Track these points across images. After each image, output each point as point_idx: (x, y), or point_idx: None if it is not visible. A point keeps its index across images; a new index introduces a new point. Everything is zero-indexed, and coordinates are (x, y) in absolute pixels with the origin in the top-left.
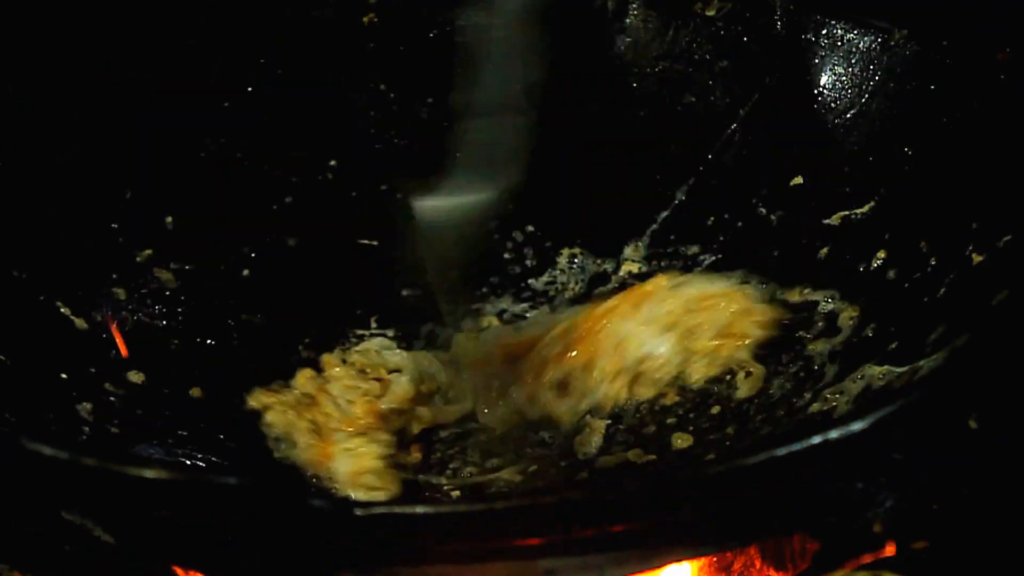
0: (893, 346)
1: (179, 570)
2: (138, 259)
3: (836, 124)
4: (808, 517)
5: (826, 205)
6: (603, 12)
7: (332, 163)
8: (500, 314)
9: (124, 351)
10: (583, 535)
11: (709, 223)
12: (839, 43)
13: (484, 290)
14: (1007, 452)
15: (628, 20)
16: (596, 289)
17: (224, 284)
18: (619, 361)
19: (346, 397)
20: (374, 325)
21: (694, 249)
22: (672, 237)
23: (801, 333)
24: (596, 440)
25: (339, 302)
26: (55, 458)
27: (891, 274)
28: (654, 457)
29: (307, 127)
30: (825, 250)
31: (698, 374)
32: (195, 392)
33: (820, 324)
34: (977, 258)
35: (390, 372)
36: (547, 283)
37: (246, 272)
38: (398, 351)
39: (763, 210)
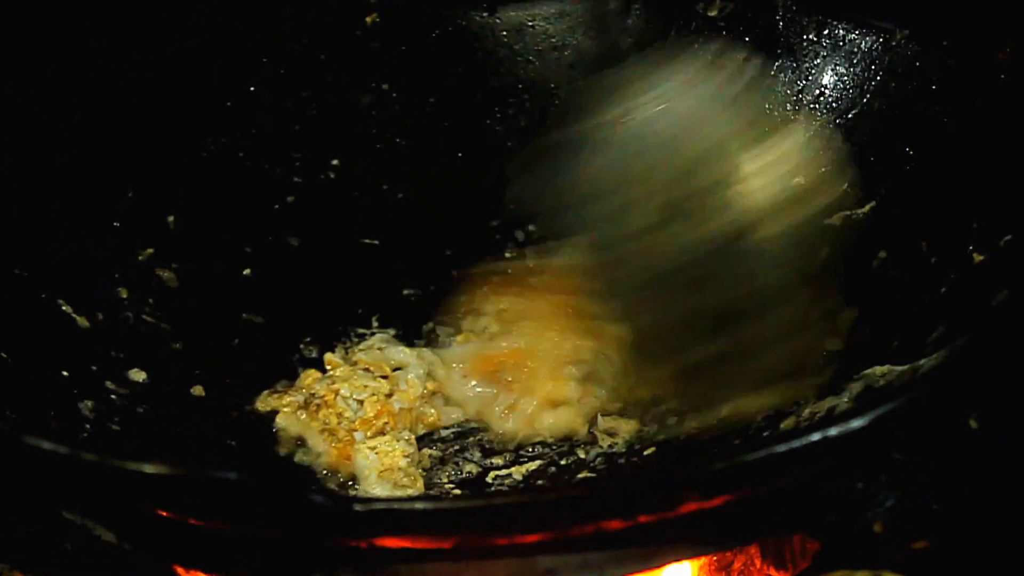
0: (893, 346)
1: (179, 569)
2: (140, 258)
3: (836, 124)
4: (808, 517)
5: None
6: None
7: (334, 163)
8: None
9: None
10: (583, 533)
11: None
12: (840, 43)
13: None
14: (1007, 452)
15: (630, 20)
16: None
17: (225, 284)
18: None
19: (356, 397)
20: (375, 324)
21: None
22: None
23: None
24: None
25: (340, 301)
26: (55, 454)
27: (891, 274)
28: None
29: (309, 127)
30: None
31: None
32: (196, 391)
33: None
34: (977, 258)
35: (394, 370)
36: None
37: (247, 272)
38: (401, 347)
39: None
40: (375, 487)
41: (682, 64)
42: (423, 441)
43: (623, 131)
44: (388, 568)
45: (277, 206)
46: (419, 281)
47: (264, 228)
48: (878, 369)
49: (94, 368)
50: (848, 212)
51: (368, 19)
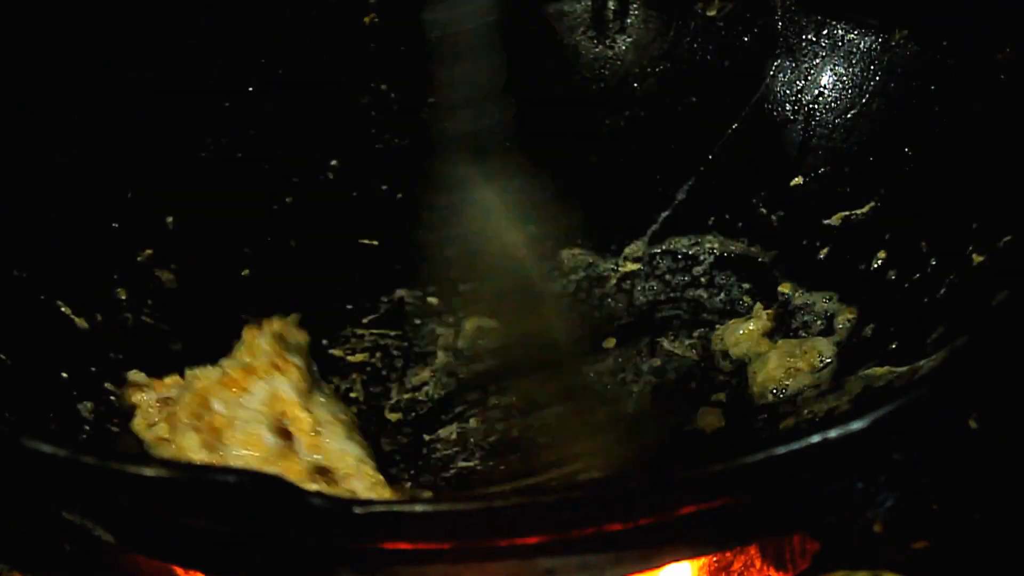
0: (893, 346)
1: (179, 570)
2: (139, 259)
3: (836, 124)
4: (808, 517)
5: (826, 205)
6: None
7: (333, 163)
8: None
9: None
10: (583, 535)
11: (710, 223)
12: (840, 43)
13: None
14: (1007, 452)
15: (629, 20)
16: (596, 289)
17: (225, 284)
18: None
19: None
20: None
21: (694, 249)
22: (673, 237)
23: (802, 334)
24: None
25: (339, 302)
26: (55, 456)
27: (891, 274)
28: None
29: (308, 127)
30: (825, 250)
31: None
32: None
33: (820, 324)
34: (977, 258)
35: None
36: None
37: (246, 272)
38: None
39: (763, 210)
40: None
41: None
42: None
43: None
44: (387, 569)
45: (276, 206)
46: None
47: (263, 228)
48: (878, 370)
49: (93, 369)
50: (848, 212)
51: (368, 19)
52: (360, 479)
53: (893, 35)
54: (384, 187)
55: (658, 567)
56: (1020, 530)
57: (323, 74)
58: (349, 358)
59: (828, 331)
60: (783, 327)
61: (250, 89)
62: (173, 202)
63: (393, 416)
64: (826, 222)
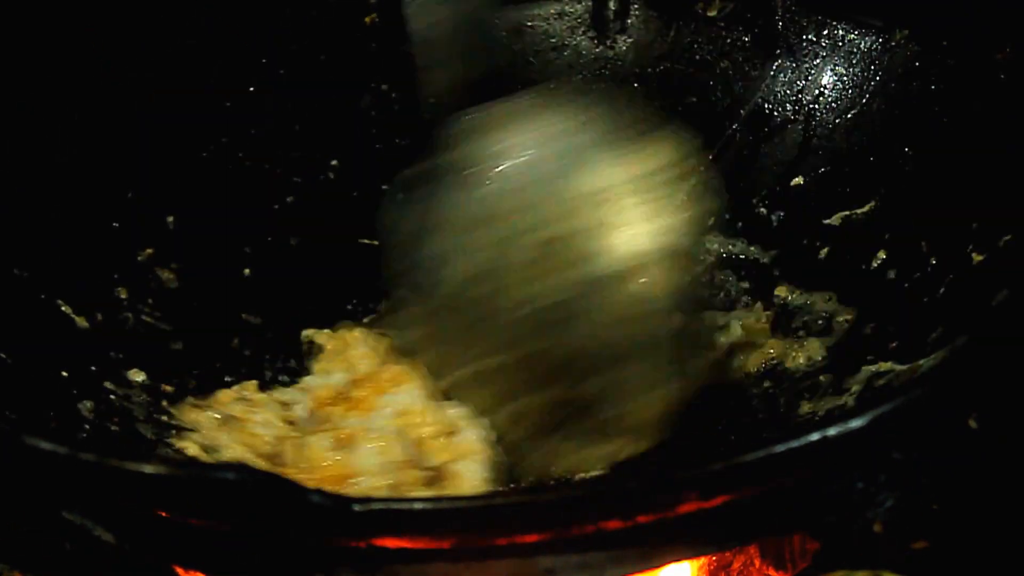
0: (893, 346)
1: (179, 570)
2: (139, 258)
3: (837, 124)
4: (808, 517)
5: (826, 205)
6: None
7: (333, 163)
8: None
9: None
10: (583, 534)
11: (710, 223)
12: (840, 43)
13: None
14: (1007, 452)
15: (630, 20)
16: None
17: (225, 284)
18: None
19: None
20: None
21: (695, 250)
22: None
23: (801, 333)
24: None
25: (340, 301)
26: (54, 454)
27: (891, 274)
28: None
29: (308, 127)
30: (825, 250)
31: None
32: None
33: (819, 324)
34: (977, 258)
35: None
36: None
37: (247, 272)
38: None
39: (763, 210)
40: None
41: (560, 109)
42: None
43: (505, 165)
44: (387, 568)
45: (276, 206)
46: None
47: (264, 228)
48: (878, 367)
49: (93, 368)
50: (848, 212)
51: (368, 19)
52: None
53: (893, 35)
54: (384, 187)
55: (658, 567)
56: (1020, 530)
57: (323, 74)
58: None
59: (827, 331)
60: (783, 327)
61: (250, 89)
62: (173, 202)
63: None
64: (826, 222)
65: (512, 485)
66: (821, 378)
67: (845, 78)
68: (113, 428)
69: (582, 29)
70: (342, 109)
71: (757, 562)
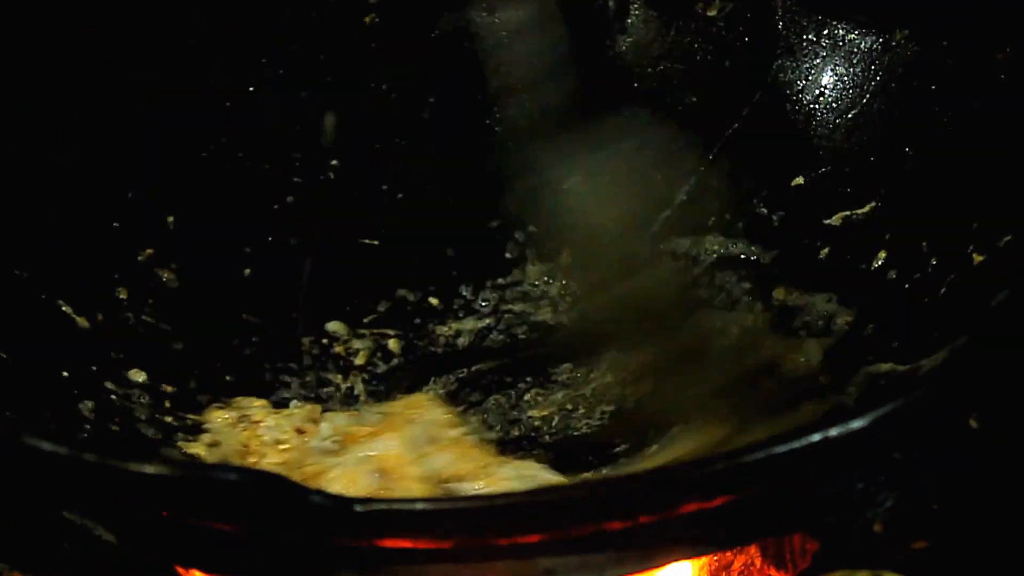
0: (894, 346)
1: (180, 569)
2: (140, 258)
3: (837, 124)
4: (808, 517)
5: (826, 205)
6: (604, 12)
7: (333, 163)
8: (499, 314)
9: None
10: (583, 534)
11: (710, 223)
12: (840, 43)
13: (485, 290)
14: (1007, 452)
15: (629, 20)
16: None
17: (225, 284)
18: None
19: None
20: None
21: (695, 249)
22: (673, 237)
23: (802, 333)
24: None
25: (340, 301)
26: (55, 454)
27: (891, 274)
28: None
29: (309, 127)
30: (825, 250)
31: None
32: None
33: (819, 324)
34: (977, 258)
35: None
36: (547, 283)
37: (247, 272)
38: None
39: (763, 210)
40: None
41: (605, 134)
42: None
43: (564, 193)
44: (388, 568)
45: (276, 206)
46: (419, 282)
47: (264, 228)
48: (878, 368)
49: (94, 368)
50: (848, 212)
51: (368, 19)
52: None
53: (893, 35)
54: (384, 187)
55: (658, 567)
56: (1020, 530)
57: (323, 74)
58: (351, 359)
59: (827, 331)
60: (783, 327)
61: (250, 89)
62: (173, 202)
63: None
64: (826, 222)
65: None
66: (821, 378)
67: (845, 78)
68: (114, 428)
69: None
70: (342, 109)
71: (758, 562)
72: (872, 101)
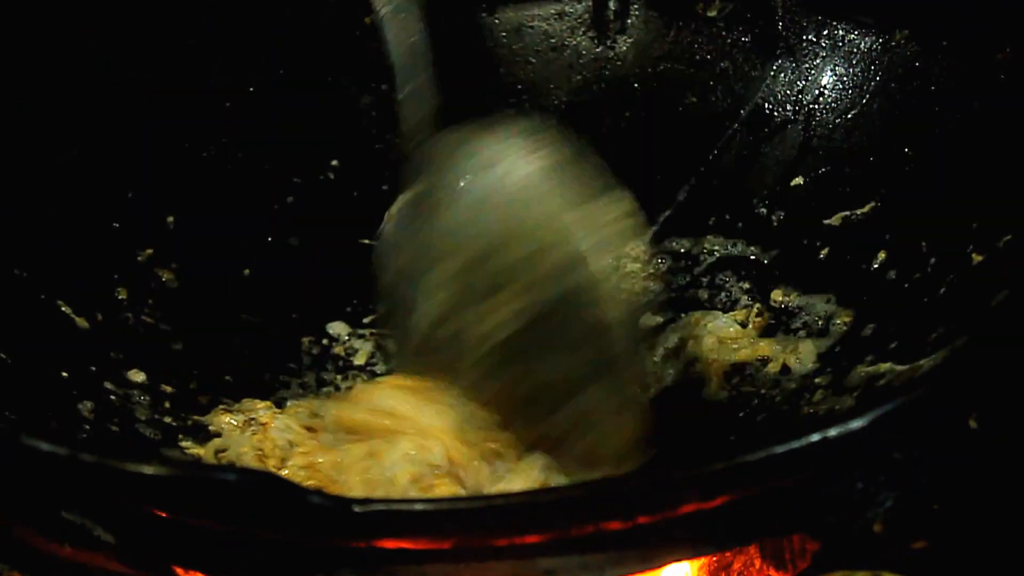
0: (893, 346)
1: (179, 570)
2: (140, 258)
3: (837, 124)
4: (808, 517)
5: (826, 205)
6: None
7: (333, 163)
8: None
9: None
10: (583, 534)
11: (710, 223)
12: (840, 43)
13: None
14: (1007, 452)
15: (630, 20)
16: None
17: (225, 284)
18: None
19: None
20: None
21: (694, 249)
22: (673, 237)
23: (802, 333)
24: None
25: (340, 301)
26: (54, 454)
27: (891, 274)
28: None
29: (308, 127)
30: (825, 250)
31: None
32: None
33: (819, 324)
34: (977, 258)
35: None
36: None
37: (247, 272)
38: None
39: (763, 210)
40: None
41: (509, 135)
42: None
43: (460, 194)
44: (387, 569)
45: (276, 206)
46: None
47: (263, 228)
48: (878, 368)
49: (93, 369)
50: (848, 212)
51: (368, 19)
52: None
53: (893, 35)
54: (384, 187)
55: (658, 567)
56: (1020, 530)
57: (323, 74)
58: (351, 359)
59: (827, 331)
60: (783, 328)
61: (250, 89)
62: (173, 202)
63: None
64: (826, 222)
65: None
66: (821, 379)
67: (845, 78)
68: (113, 429)
69: (582, 29)
70: (342, 109)
71: (757, 562)
72: (872, 101)
